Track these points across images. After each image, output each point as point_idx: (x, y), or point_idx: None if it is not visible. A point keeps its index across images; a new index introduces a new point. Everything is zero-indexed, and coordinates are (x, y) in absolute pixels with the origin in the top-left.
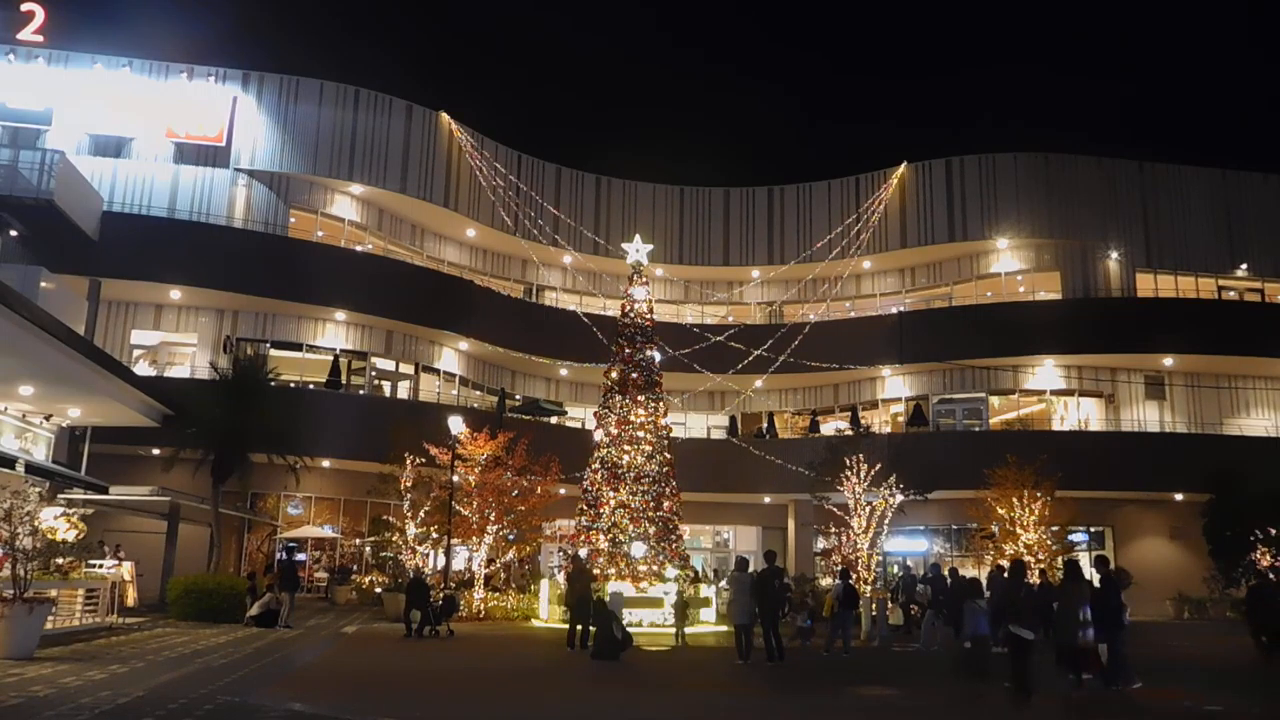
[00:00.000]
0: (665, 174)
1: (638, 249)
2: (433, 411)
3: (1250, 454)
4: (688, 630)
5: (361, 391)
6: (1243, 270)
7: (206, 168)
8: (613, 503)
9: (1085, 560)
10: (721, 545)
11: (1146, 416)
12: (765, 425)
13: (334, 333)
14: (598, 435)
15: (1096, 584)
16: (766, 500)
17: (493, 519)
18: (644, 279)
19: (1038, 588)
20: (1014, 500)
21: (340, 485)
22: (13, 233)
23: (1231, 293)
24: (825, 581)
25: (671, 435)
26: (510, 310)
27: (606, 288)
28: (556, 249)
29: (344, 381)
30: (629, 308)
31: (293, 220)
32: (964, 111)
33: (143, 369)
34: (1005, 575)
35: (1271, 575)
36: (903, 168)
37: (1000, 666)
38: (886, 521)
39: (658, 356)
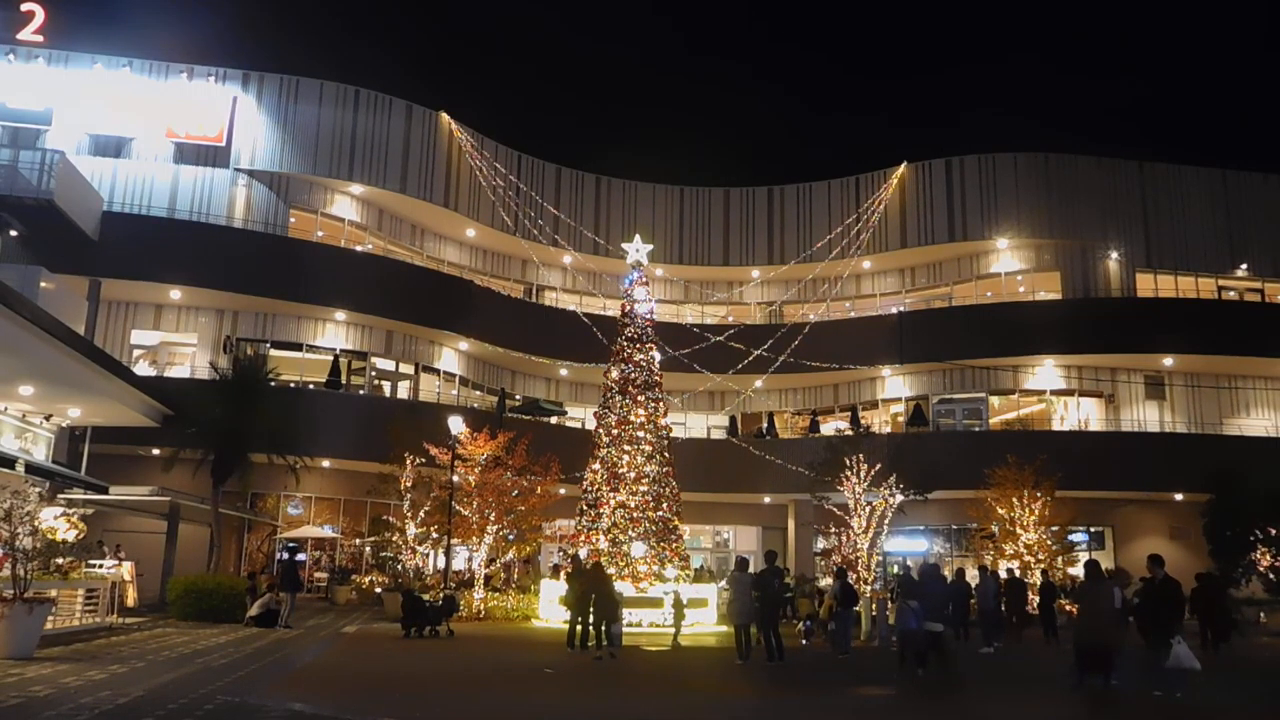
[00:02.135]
0: (665, 174)
1: (638, 249)
2: (433, 411)
3: (1250, 454)
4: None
5: (361, 391)
6: (1243, 270)
7: (206, 168)
8: (612, 503)
9: (1090, 560)
10: (721, 545)
11: (1146, 416)
12: (765, 425)
13: (334, 333)
14: (598, 435)
15: (1128, 583)
16: (766, 500)
17: (493, 519)
18: (644, 279)
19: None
20: (1014, 500)
21: (340, 485)
22: (13, 233)
23: (1231, 293)
24: (825, 582)
25: (671, 435)
26: (510, 310)
27: (606, 288)
28: (556, 249)
29: (344, 381)
30: (629, 308)
31: (293, 220)
32: (964, 111)
33: (143, 369)
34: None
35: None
36: (903, 168)
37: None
38: (886, 521)
39: (657, 356)
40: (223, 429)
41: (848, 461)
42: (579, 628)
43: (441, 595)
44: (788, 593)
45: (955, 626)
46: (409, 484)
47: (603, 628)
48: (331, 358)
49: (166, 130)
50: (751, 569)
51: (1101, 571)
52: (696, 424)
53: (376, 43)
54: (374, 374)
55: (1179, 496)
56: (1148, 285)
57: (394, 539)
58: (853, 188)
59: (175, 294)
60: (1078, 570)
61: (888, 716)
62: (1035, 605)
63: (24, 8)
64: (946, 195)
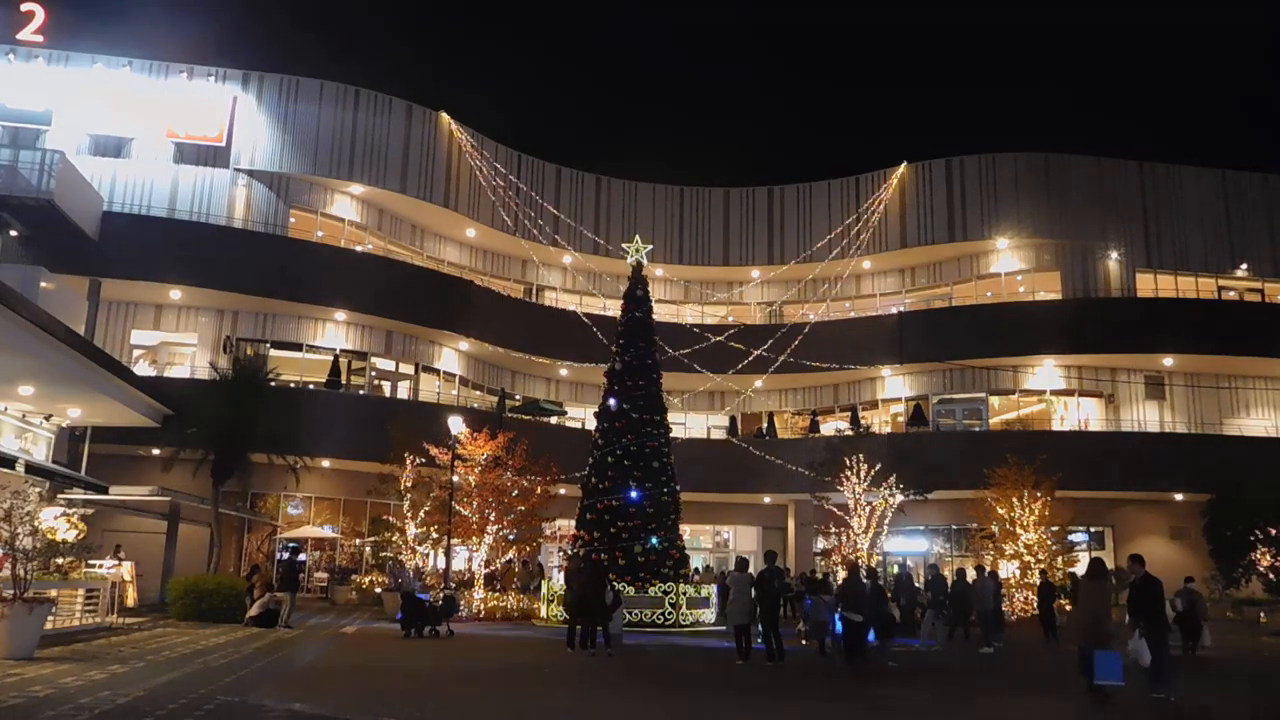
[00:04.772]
0: (665, 174)
1: (637, 248)
2: (433, 411)
3: (1250, 454)
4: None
5: (361, 391)
6: (1243, 270)
7: (206, 168)
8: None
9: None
10: (721, 545)
11: (1146, 416)
12: (765, 425)
13: (334, 333)
14: (597, 435)
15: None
16: (766, 500)
17: (493, 519)
18: (643, 286)
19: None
20: (1014, 500)
21: (340, 485)
22: (13, 233)
23: (1231, 293)
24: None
25: (671, 435)
26: (510, 310)
27: (606, 288)
28: (556, 249)
29: (344, 381)
30: (629, 308)
31: (293, 220)
32: (964, 111)
33: (143, 369)
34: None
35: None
36: (903, 168)
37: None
38: (886, 521)
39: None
40: (223, 429)
41: (848, 461)
42: (579, 627)
43: (441, 595)
44: (788, 593)
45: (955, 625)
46: (409, 484)
47: (599, 627)
48: (331, 358)
49: (166, 130)
50: (751, 569)
51: (1105, 569)
52: (696, 424)
53: (376, 43)
54: (374, 374)
55: (1179, 496)
56: (1148, 285)
57: (394, 539)
58: (853, 188)
59: (175, 294)
60: (1076, 570)
61: (886, 715)
62: (1032, 606)
63: (24, 8)
64: (946, 195)
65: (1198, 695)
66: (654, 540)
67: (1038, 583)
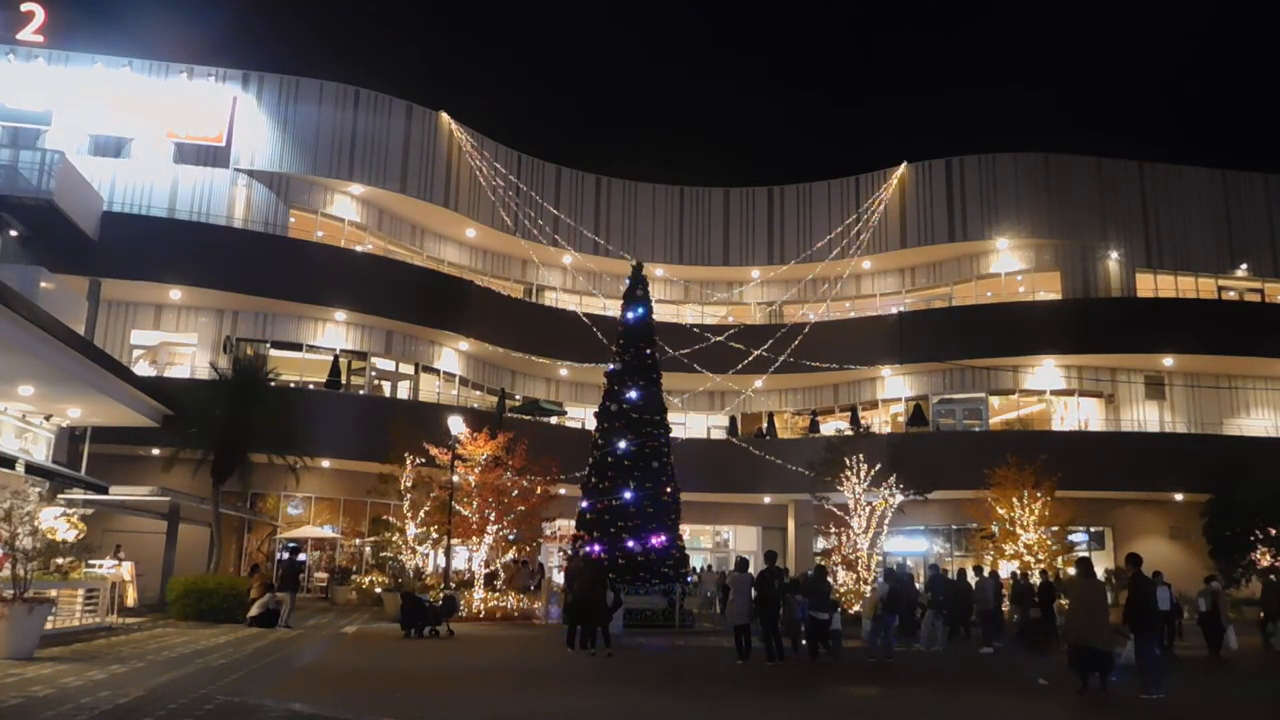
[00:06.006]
0: (665, 174)
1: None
2: (433, 411)
3: (1250, 454)
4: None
5: (361, 391)
6: (1243, 270)
7: (206, 168)
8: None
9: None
10: (721, 545)
11: (1146, 416)
12: (765, 425)
13: (334, 333)
14: (597, 435)
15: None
16: (766, 500)
17: (493, 519)
18: (644, 283)
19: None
20: (1014, 500)
21: (340, 485)
22: (13, 233)
23: (1231, 293)
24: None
25: (671, 435)
26: (510, 310)
27: (606, 288)
28: (556, 249)
29: (344, 381)
30: (629, 308)
31: (293, 220)
32: (964, 111)
33: (143, 369)
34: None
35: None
36: (903, 168)
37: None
38: (886, 521)
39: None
40: (223, 429)
41: (848, 461)
42: (579, 627)
43: (441, 595)
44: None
45: (955, 626)
46: (409, 484)
47: (600, 627)
48: (331, 358)
49: (167, 130)
50: (751, 569)
51: (1093, 569)
52: (696, 424)
53: (376, 43)
54: (374, 374)
55: (1179, 496)
56: (1148, 285)
57: (394, 539)
58: (853, 188)
59: (175, 294)
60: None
61: (885, 715)
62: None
63: (24, 8)
64: (946, 195)
65: (1198, 696)
66: (654, 540)
67: (1038, 583)
